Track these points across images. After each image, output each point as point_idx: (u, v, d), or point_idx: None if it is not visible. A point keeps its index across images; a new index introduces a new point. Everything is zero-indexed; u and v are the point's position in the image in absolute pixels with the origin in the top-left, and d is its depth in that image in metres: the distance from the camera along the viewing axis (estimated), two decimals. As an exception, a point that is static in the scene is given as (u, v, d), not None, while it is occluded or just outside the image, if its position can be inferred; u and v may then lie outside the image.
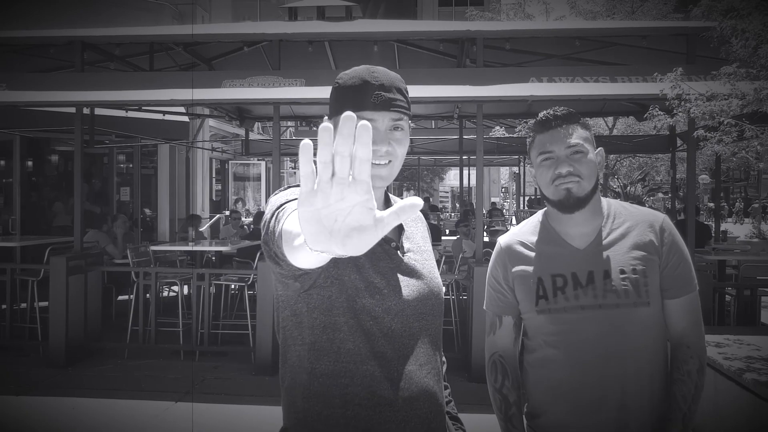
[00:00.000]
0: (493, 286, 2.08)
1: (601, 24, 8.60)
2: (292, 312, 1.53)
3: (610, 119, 13.14)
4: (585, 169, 1.89)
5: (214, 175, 17.85)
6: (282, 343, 1.59)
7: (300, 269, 1.23)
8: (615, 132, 13.41)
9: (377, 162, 1.48)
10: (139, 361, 6.82)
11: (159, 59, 9.13)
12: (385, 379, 1.49)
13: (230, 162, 18.62)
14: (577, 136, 1.91)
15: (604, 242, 1.93)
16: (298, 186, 1.46)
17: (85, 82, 6.85)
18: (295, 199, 1.33)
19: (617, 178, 14.26)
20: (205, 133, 14.06)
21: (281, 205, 1.35)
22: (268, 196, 21.86)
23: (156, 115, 10.43)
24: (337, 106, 1.53)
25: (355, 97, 1.49)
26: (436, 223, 16.97)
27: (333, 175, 0.84)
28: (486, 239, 18.60)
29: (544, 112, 1.97)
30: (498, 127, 13.57)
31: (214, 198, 17.99)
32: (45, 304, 6.84)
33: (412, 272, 1.59)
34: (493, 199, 41.33)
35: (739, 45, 4.63)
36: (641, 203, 12.47)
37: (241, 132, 13.88)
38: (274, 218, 1.32)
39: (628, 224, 1.96)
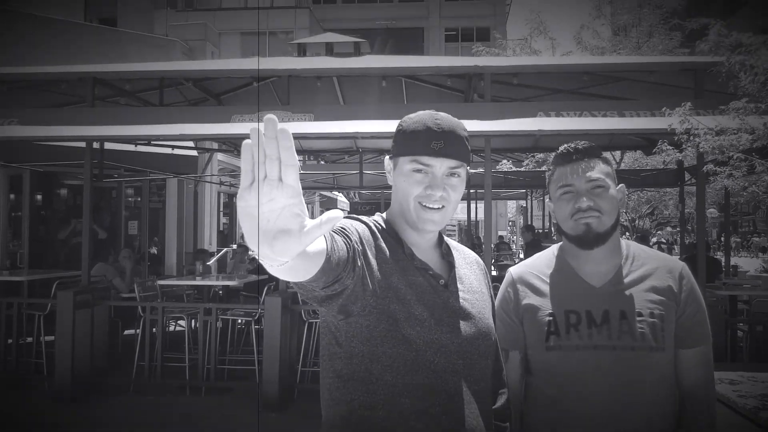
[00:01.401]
0: (501, 318, 1.99)
1: (609, 59, 8.65)
2: (331, 340, 1.52)
3: (617, 153, 13.14)
4: (606, 205, 1.86)
5: (221, 209, 17.88)
6: (321, 371, 1.58)
7: (303, 286, 1.22)
8: (622, 166, 13.41)
9: (431, 206, 1.54)
10: (146, 396, 6.75)
11: (169, 94, 9.22)
12: (424, 414, 1.46)
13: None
14: (599, 170, 1.88)
15: (622, 282, 1.88)
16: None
17: (95, 116, 6.91)
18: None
19: (625, 212, 14.21)
20: (214, 167, 14.12)
21: None
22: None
23: (165, 149, 10.49)
24: (398, 148, 1.59)
25: (415, 142, 1.55)
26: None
27: (265, 176, 0.91)
28: (494, 273, 18.48)
29: (565, 145, 1.95)
30: (505, 161, 13.59)
31: (221, 229, 17.99)
32: (51, 338, 6.81)
33: (459, 310, 1.58)
34: (500, 233, 41.22)
35: (748, 80, 4.64)
36: (646, 238, 12.38)
37: (250, 166, 13.92)
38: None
39: (647, 267, 1.91)
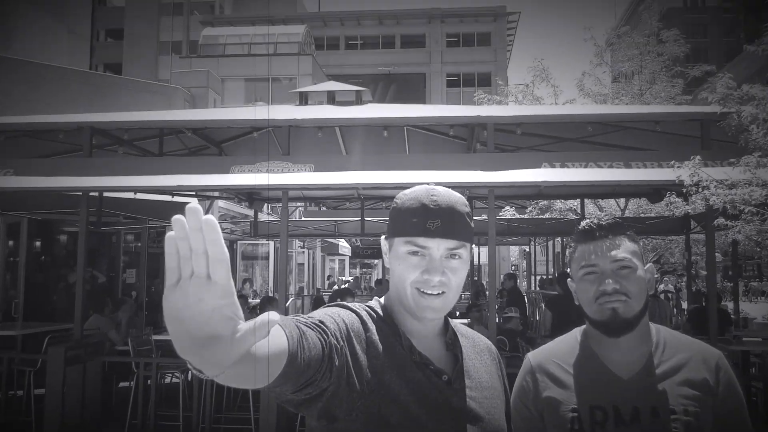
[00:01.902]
0: (518, 409, 1.80)
1: (614, 109, 8.57)
2: None
3: (621, 200, 13.02)
4: (633, 287, 1.67)
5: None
6: None
7: (270, 390, 1.07)
8: (627, 212, 13.27)
9: (429, 292, 1.38)
10: (137, 457, 6.50)
11: (169, 142, 9.16)
12: None
13: (239, 242, 18.55)
14: (625, 249, 1.70)
15: (652, 374, 1.69)
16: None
17: (92, 167, 6.80)
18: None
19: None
20: (215, 214, 14.00)
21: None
22: (276, 276, 21.71)
23: (165, 196, 10.38)
24: (393, 228, 1.45)
25: (410, 221, 1.40)
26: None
27: (192, 273, 0.82)
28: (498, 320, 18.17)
29: (588, 221, 1.78)
30: (508, 207, 13.49)
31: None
32: (42, 390, 6.57)
33: (465, 411, 1.40)
34: (503, 277, 40.84)
35: (761, 133, 4.52)
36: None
37: (250, 212, 13.85)
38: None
39: (679, 356, 1.72)
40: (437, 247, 1.38)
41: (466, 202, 1.47)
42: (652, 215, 12.75)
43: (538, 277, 24.06)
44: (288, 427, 6.49)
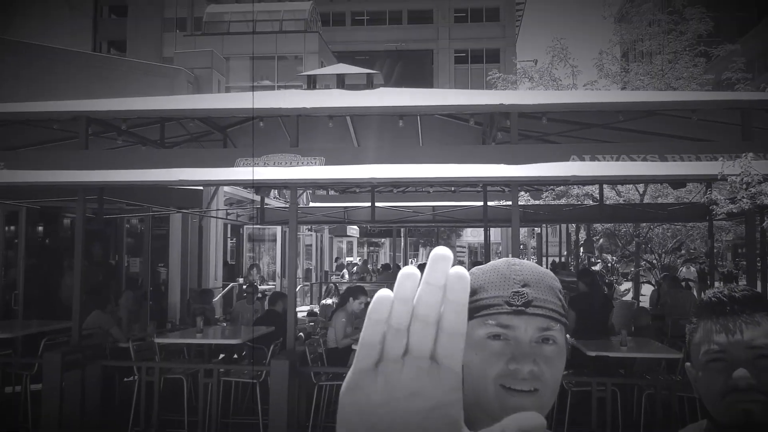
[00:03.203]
0: None
1: (648, 97, 8.06)
2: None
3: (641, 185, 12.54)
4: None
5: (228, 235, 17.39)
6: None
7: None
8: (646, 197, 12.80)
9: (518, 388, 1.04)
10: (140, 466, 6.17)
11: (171, 128, 8.74)
12: None
13: (245, 227, 18.19)
14: (766, 332, 1.30)
15: None
16: None
17: (89, 159, 6.40)
18: None
19: (650, 248, 13.57)
20: (220, 200, 13.62)
21: None
22: (283, 261, 21.35)
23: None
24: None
25: (489, 297, 1.08)
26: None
27: (406, 351, 0.53)
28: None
29: (717, 291, 1.35)
30: (523, 193, 13.03)
31: (229, 261, 17.46)
32: (38, 386, 6.23)
33: None
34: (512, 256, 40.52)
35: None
36: (676, 279, 11.74)
37: (258, 197, 13.47)
38: None
39: None
40: (525, 327, 1.05)
41: (556, 278, 1.13)
42: (671, 200, 12.31)
43: (550, 260, 23.65)
44: (300, 431, 6.16)
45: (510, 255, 6.66)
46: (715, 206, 5.41)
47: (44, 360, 6.02)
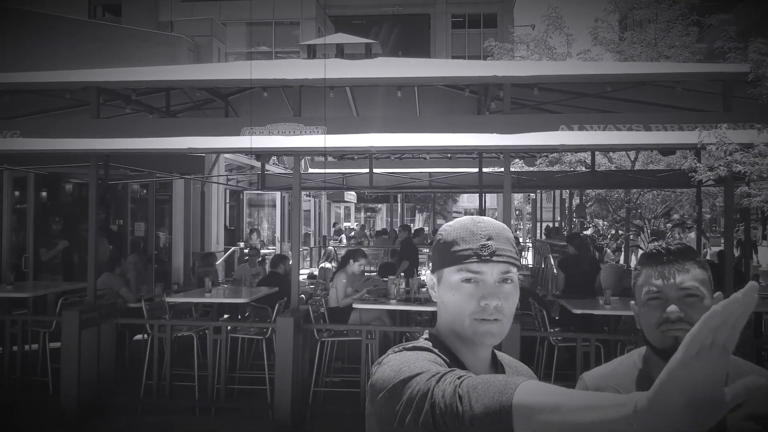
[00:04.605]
0: None
1: (634, 68, 8.31)
2: None
3: (632, 152, 12.84)
4: (698, 316, 1.60)
5: (228, 200, 17.68)
6: None
7: None
8: (637, 165, 13.11)
9: (487, 318, 1.38)
10: (154, 416, 6.57)
11: (175, 96, 8.99)
12: None
13: (245, 192, 18.47)
14: (693, 276, 1.65)
15: None
16: (402, 352, 1.35)
17: (101, 128, 6.67)
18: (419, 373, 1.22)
19: (640, 213, 13.92)
20: (221, 166, 13.90)
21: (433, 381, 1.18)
22: (283, 225, 21.71)
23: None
24: (441, 259, 1.45)
25: (461, 249, 1.40)
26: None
27: (712, 343, 0.85)
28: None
29: (656, 244, 1.72)
30: (517, 160, 13.32)
31: (228, 225, 17.78)
32: (57, 345, 6.60)
33: None
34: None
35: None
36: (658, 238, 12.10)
37: (257, 163, 13.75)
38: (455, 396, 1.12)
39: None
40: (491, 271, 1.38)
41: (510, 230, 1.48)
42: (662, 167, 12.61)
43: (544, 225, 24.02)
44: (303, 384, 6.55)
45: (503, 220, 6.98)
46: (694, 173, 5.73)
47: (63, 318, 6.37)
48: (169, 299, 7.43)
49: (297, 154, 6.53)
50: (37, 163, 9.88)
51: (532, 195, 24.50)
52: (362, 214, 42.24)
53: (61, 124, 7.38)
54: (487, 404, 1.07)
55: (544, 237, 21.20)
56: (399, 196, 31.86)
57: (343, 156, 14.21)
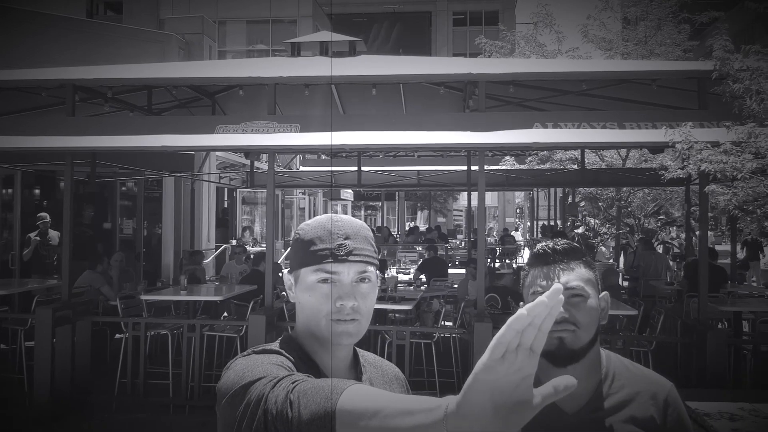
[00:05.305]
0: None
1: (609, 66, 8.30)
2: None
3: (623, 150, 12.81)
4: (583, 317, 1.56)
5: (225, 198, 17.69)
6: None
7: None
8: (628, 164, 13.07)
9: (343, 318, 1.35)
10: (128, 415, 6.57)
11: (159, 94, 8.98)
12: None
13: (238, 190, 18.47)
14: (578, 276, 1.60)
15: (600, 409, 1.59)
16: (250, 355, 1.32)
17: (77, 125, 6.68)
18: (284, 376, 1.19)
19: (631, 212, 13.88)
20: (212, 163, 13.90)
21: (276, 383, 1.17)
22: (273, 222, 21.66)
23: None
24: (298, 258, 1.41)
25: (317, 249, 1.37)
26: (443, 254, 16.67)
27: (518, 344, 0.85)
28: (497, 264, 18.16)
29: (543, 244, 1.67)
30: (508, 157, 13.29)
31: (220, 217, 17.79)
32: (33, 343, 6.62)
33: None
34: (508, 219, 40.82)
35: (753, 104, 4.35)
36: (649, 242, 12.06)
37: (248, 162, 13.77)
38: (287, 401, 1.11)
39: (627, 390, 1.61)
40: (348, 271, 1.35)
41: (369, 228, 1.45)
42: (653, 166, 12.56)
43: (540, 223, 23.93)
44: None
45: (476, 219, 6.97)
46: (664, 171, 5.70)
47: (36, 315, 6.38)
48: (145, 297, 7.44)
49: (271, 151, 6.52)
50: (20, 162, 9.89)
51: (530, 193, 24.46)
52: (362, 212, 42.20)
53: (36, 122, 7.38)
54: (313, 410, 1.06)
55: (539, 236, 21.12)
56: (398, 193, 31.86)
57: (336, 154, 14.22)
